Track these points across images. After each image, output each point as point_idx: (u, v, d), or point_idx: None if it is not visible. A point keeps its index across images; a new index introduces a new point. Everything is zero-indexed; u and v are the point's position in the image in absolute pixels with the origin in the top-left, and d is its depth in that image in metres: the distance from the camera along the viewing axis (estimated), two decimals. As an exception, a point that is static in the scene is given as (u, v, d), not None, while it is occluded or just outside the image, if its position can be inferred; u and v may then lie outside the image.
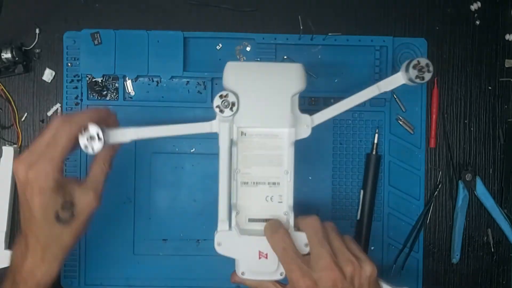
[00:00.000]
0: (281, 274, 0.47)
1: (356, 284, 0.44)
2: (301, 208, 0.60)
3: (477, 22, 0.62)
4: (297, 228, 0.48)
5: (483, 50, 0.63)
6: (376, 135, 0.60)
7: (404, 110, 0.61)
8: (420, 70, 0.49)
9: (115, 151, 0.50)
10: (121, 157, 0.59)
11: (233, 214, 0.48)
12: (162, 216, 0.60)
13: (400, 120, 0.61)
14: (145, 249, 0.60)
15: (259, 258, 0.47)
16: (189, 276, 0.60)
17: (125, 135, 0.48)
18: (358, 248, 0.46)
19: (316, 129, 0.60)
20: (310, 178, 0.61)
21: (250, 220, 0.49)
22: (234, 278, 0.48)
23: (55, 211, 0.44)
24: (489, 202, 0.62)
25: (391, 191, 0.61)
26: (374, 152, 0.60)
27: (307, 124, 0.49)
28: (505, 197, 0.62)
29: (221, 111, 0.47)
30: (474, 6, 0.62)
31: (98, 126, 0.46)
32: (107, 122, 0.48)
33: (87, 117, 0.46)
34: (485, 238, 0.63)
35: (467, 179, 0.61)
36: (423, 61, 0.49)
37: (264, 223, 0.48)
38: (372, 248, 0.60)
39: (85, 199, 0.46)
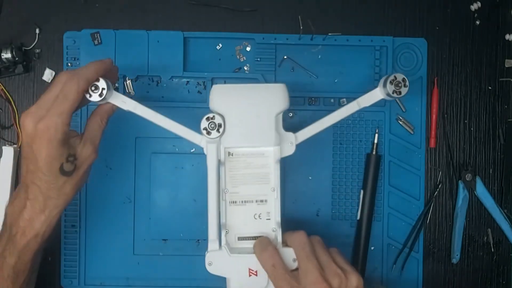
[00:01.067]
0: None
1: None
2: (301, 208, 0.60)
3: (477, 22, 0.62)
4: (285, 243, 0.49)
5: (483, 50, 0.63)
6: (376, 135, 0.60)
7: (404, 110, 0.61)
8: (396, 85, 0.51)
9: (112, 112, 0.51)
10: (121, 157, 0.60)
11: (223, 233, 0.49)
12: (162, 216, 0.60)
13: (400, 120, 0.61)
14: (145, 249, 0.60)
15: (249, 275, 0.48)
16: (189, 276, 0.60)
17: (126, 103, 0.50)
18: (344, 260, 0.48)
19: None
20: (310, 178, 0.61)
21: (240, 238, 0.50)
22: None
23: (60, 163, 0.45)
24: (489, 202, 0.62)
25: (391, 191, 0.61)
26: (374, 152, 0.60)
27: (291, 142, 0.51)
28: (505, 197, 0.62)
29: (208, 133, 0.49)
30: (474, 6, 0.62)
31: (106, 81, 0.48)
32: (110, 74, 0.50)
33: (94, 71, 0.47)
34: (485, 238, 0.63)
35: (467, 179, 0.61)
36: (399, 76, 0.51)
37: (254, 241, 0.50)
38: (372, 248, 0.61)
39: (86, 152, 0.48)
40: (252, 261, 0.48)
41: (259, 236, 0.50)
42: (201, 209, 0.60)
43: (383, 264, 0.61)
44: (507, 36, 0.62)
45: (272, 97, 0.49)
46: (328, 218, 0.61)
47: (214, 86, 0.50)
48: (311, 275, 0.45)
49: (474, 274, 0.63)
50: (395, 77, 0.51)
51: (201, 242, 0.60)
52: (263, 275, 0.48)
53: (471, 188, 0.62)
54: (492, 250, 0.63)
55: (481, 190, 0.61)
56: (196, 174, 0.60)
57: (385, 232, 0.61)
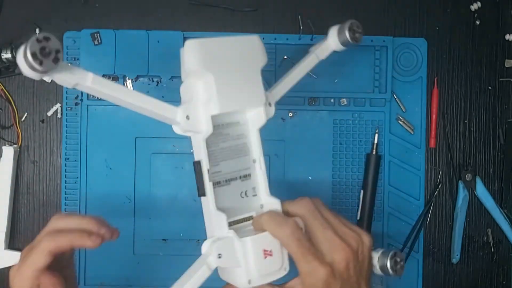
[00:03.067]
0: (285, 269, 0.42)
1: (360, 258, 0.43)
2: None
3: (477, 22, 0.62)
4: (287, 214, 0.43)
5: (483, 50, 0.63)
6: (376, 135, 0.60)
7: (404, 110, 0.61)
8: (354, 32, 0.47)
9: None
10: (121, 157, 0.60)
11: (223, 217, 0.41)
12: (162, 216, 0.60)
13: (400, 120, 0.61)
14: (145, 249, 0.60)
15: (265, 257, 0.41)
16: (189, 276, 0.60)
17: (84, 78, 0.39)
18: (348, 221, 0.45)
19: (316, 129, 0.60)
20: (310, 178, 0.61)
21: (231, 223, 0.42)
22: None
23: None
24: (489, 202, 0.62)
25: (391, 191, 0.61)
26: (374, 152, 0.60)
27: (270, 102, 0.44)
28: (505, 197, 0.62)
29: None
30: (474, 6, 0.62)
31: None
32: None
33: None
34: (485, 238, 0.63)
35: (467, 179, 0.61)
36: (355, 23, 0.47)
37: (248, 222, 0.43)
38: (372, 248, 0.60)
39: None
40: (265, 240, 0.41)
41: (249, 217, 0.43)
42: (201, 209, 0.60)
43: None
44: (507, 36, 0.62)
45: (253, 51, 0.43)
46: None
47: (187, 42, 0.40)
48: (334, 242, 0.41)
49: (474, 274, 0.63)
50: (352, 24, 0.46)
51: (201, 242, 0.60)
52: (277, 253, 0.41)
53: (471, 188, 0.62)
54: (492, 250, 0.63)
55: (481, 190, 0.61)
56: (196, 174, 0.60)
57: (385, 232, 0.61)
